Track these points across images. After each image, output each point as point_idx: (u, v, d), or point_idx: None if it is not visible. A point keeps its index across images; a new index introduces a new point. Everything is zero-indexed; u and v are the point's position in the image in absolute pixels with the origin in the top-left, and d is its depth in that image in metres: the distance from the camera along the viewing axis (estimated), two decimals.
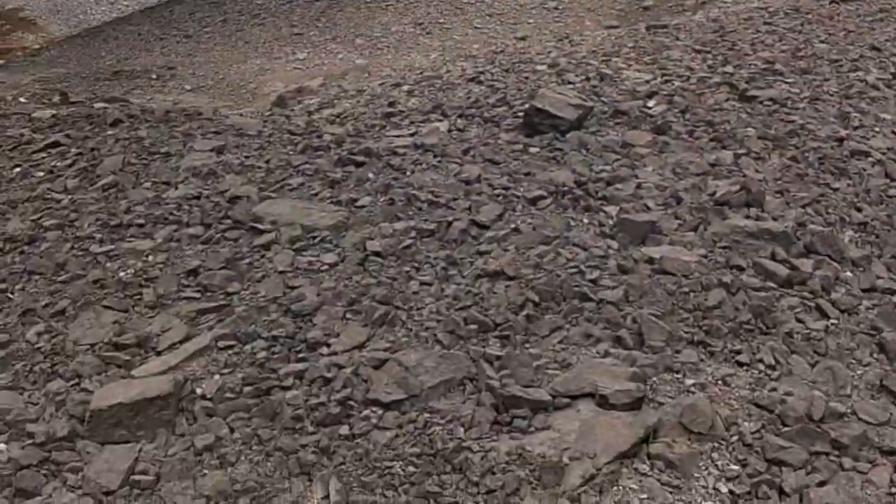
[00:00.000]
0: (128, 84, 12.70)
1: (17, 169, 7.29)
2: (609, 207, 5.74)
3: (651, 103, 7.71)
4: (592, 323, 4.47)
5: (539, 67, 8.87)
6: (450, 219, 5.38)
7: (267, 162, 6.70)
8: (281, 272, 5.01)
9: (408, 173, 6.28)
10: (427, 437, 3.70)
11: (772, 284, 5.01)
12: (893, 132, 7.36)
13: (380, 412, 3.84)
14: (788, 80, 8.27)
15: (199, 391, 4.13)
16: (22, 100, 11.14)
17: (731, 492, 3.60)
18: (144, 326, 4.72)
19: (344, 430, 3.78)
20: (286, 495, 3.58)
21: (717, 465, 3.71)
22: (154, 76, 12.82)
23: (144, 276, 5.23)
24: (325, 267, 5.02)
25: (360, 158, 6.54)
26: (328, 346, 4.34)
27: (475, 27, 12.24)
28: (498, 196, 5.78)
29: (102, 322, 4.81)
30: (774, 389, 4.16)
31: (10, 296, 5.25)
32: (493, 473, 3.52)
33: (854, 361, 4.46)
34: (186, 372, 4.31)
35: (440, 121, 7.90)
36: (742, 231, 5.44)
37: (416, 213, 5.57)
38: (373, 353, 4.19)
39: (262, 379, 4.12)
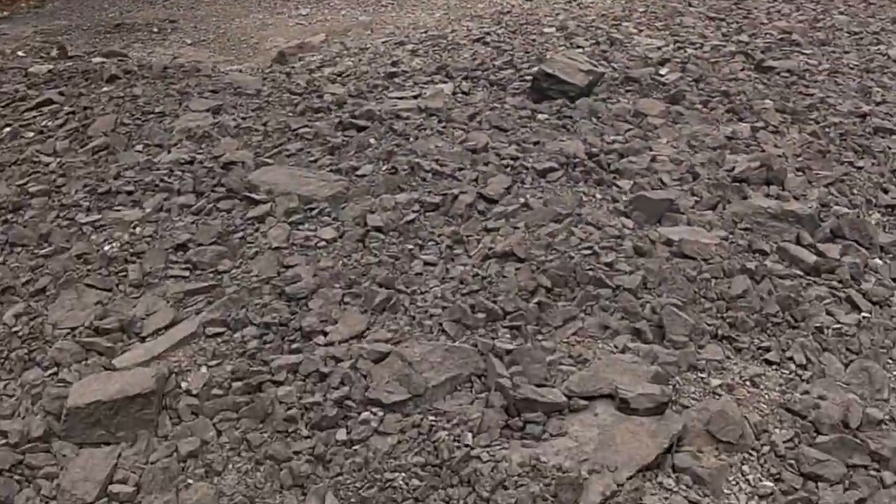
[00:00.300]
0: (128, 37, 11.98)
1: (8, 129, 6.69)
2: (622, 182, 5.20)
3: (663, 71, 7.12)
4: (609, 313, 3.96)
5: (547, 30, 8.22)
6: (456, 192, 4.83)
7: (265, 124, 6.12)
8: (275, 248, 4.47)
9: (411, 140, 5.70)
10: (432, 443, 3.20)
11: (798, 272, 4.50)
12: None
13: (380, 414, 3.33)
14: (806, 52, 7.67)
15: (184, 385, 3.61)
16: (20, 53, 10.47)
17: None
18: (128, 308, 4.20)
19: (341, 434, 3.27)
20: None
21: (748, 480, 3.23)
22: (155, 29, 12.10)
23: (131, 249, 4.69)
24: (323, 243, 4.48)
25: (362, 122, 5.96)
26: (325, 334, 3.82)
27: None
28: (506, 167, 5.22)
29: (84, 303, 4.28)
30: (807, 392, 3.66)
31: None
32: (505, 488, 3.03)
33: (891, 361, 3.97)
34: (171, 363, 3.80)
35: (445, 82, 7.29)
36: (764, 212, 4.91)
37: (419, 183, 5.01)
38: (373, 346, 3.67)
39: (253, 373, 3.60)
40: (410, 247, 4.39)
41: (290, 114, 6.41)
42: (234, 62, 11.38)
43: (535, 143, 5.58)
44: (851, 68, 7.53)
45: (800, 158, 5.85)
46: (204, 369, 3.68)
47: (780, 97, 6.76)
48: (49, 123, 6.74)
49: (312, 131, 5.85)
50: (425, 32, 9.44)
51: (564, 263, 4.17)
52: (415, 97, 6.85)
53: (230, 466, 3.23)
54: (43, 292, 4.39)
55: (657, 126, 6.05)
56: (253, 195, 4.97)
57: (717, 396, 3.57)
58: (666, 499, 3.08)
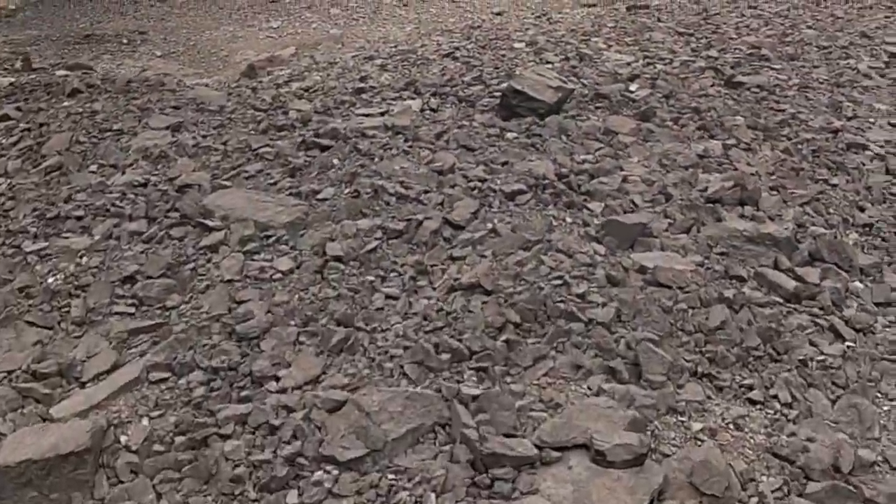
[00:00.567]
0: (98, 48, 11.46)
1: None
2: (593, 204, 4.82)
3: (633, 87, 6.76)
4: (581, 350, 3.57)
5: (517, 45, 7.85)
6: (420, 217, 4.43)
7: (225, 143, 5.68)
8: (228, 281, 4.05)
9: (376, 160, 5.29)
10: None
11: (777, 299, 4.15)
12: (890, 124, 6.47)
13: (335, 473, 2.92)
14: (776, 67, 7.35)
15: (123, 440, 3.18)
16: None
17: None
18: (69, 350, 3.76)
19: (292, 497, 2.86)
20: None
21: None
22: (125, 41, 11.59)
23: (76, 282, 4.24)
24: (279, 275, 4.06)
25: (326, 142, 5.54)
26: (277, 380, 3.40)
27: (452, 1, 11.13)
28: (473, 189, 4.83)
29: (23, 343, 3.83)
30: (794, 434, 3.30)
31: None
32: None
33: (879, 395, 3.62)
34: (111, 412, 3.37)
35: (413, 99, 6.89)
36: (740, 235, 4.55)
37: (383, 208, 4.60)
38: (328, 393, 3.26)
39: (198, 425, 3.17)
40: (371, 278, 3.98)
41: (253, 132, 5.98)
42: (203, 75, 10.91)
43: (504, 164, 5.19)
44: (821, 83, 7.22)
45: (773, 177, 5.52)
46: (145, 421, 3.25)
47: (751, 113, 6.43)
48: (3, 141, 6.27)
49: (274, 151, 5.42)
50: (395, 47, 9.04)
51: (534, 296, 3.78)
52: (382, 114, 6.44)
53: None
54: None
55: (628, 144, 5.68)
56: (207, 221, 4.54)
57: (699, 442, 3.20)
58: None
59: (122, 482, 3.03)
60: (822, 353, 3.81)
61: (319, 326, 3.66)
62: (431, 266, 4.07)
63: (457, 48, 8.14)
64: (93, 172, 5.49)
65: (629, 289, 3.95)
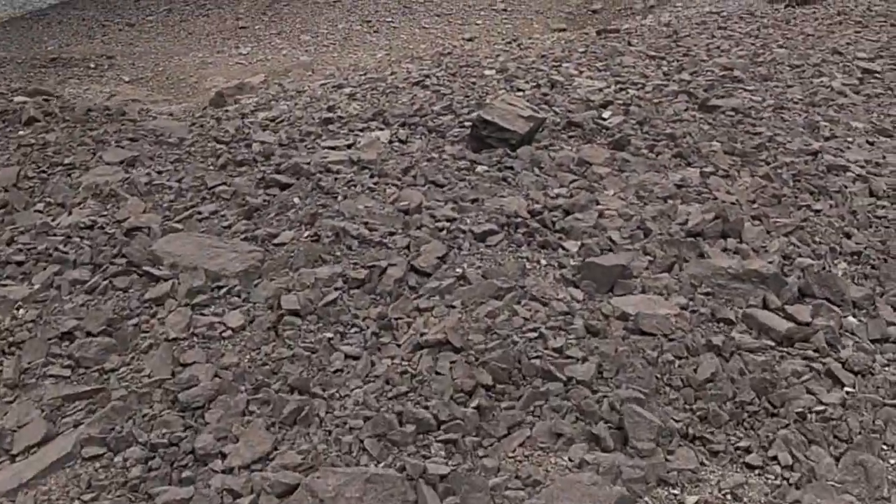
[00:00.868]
0: (64, 72, 10.95)
1: None
2: (569, 243, 4.40)
3: (606, 114, 6.37)
4: (561, 415, 3.13)
5: (487, 72, 7.45)
6: (384, 263, 3.98)
7: (179, 181, 5.20)
8: (173, 340, 3.57)
9: (339, 198, 4.85)
10: None
11: (769, 342, 3.74)
12: (868, 142, 6.12)
13: None
14: (749, 88, 7.00)
15: None
16: None
17: None
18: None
19: None
20: None
21: None
22: (92, 65, 11.08)
23: (10, 338, 3.75)
24: (229, 332, 3.59)
25: (286, 179, 5.08)
26: (223, 457, 2.93)
27: (423, 27, 10.74)
28: (441, 230, 4.39)
29: None
30: (798, 501, 2.88)
31: None
32: None
33: (885, 447, 3.21)
34: (41, 493, 2.89)
35: (381, 129, 6.47)
36: (725, 273, 4.15)
37: (344, 253, 4.15)
38: (278, 475, 2.79)
39: None
40: (330, 335, 3.53)
41: (211, 167, 5.51)
42: (172, 101, 10.44)
43: (474, 201, 4.76)
44: (796, 103, 6.88)
45: (755, 205, 5.13)
46: None
47: (727, 138, 6.06)
48: None
49: (230, 190, 4.96)
50: (364, 75, 8.62)
51: (507, 352, 3.34)
52: (348, 146, 6.01)
53: None
54: None
55: (603, 176, 5.28)
56: (154, 270, 4.06)
57: None
58: None
59: None
60: (820, 403, 3.39)
61: (271, 393, 3.19)
62: (396, 319, 3.62)
63: (427, 76, 7.73)
64: (39, 212, 5.00)
65: (610, 340, 3.52)
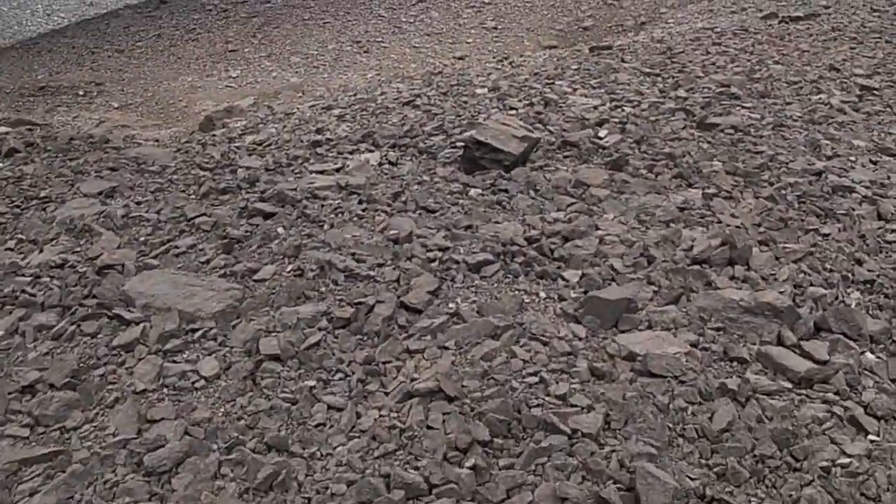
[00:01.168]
0: (53, 100, 10.58)
1: None
2: (569, 272, 4.04)
3: (602, 133, 6.03)
4: (566, 474, 2.76)
5: (479, 91, 7.10)
6: (371, 301, 3.61)
7: (158, 212, 4.83)
8: (141, 392, 3.19)
9: (325, 227, 4.49)
10: None
11: (787, 384, 3.38)
12: (872, 161, 5.79)
13: None
14: (747, 105, 6.66)
15: None
16: None
17: None
18: None
19: None
20: None
21: None
22: (81, 92, 10.72)
23: None
24: (202, 383, 3.21)
25: (270, 208, 4.72)
26: None
27: (413, 46, 10.41)
28: (433, 261, 4.03)
29: None
30: None
31: None
32: None
33: None
34: None
35: (371, 151, 6.11)
36: (736, 306, 3.79)
37: (329, 290, 3.78)
38: None
39: None
40: (312, 383, 3.15)
41: (192, 196, 5.15)
42: (161, 126, 10.09)
43: (468, 228, 4.40)
44: (795, 120, 6.54)
45: (761, 229, 4.79)
46: None
47: (728, 157, 5.72)
48: None
49: (211, 220, 4.59)
50: (354, 95, 8.27)
51: (506, 402, 2.97)
52: (337, 170, 5.66)
53: None
54: None
55: (602, 198, 4.93)
56: (124, 313, 3.68)
57: None
58: None
59: None
60: (845, 455, 3.03)
61: (246, 452, 2.82)
62: (384, 363, 3.25)
63: (417, 95, 7.38)
64: (9, 250, 4.62)
65: (618, 385, 3.16)
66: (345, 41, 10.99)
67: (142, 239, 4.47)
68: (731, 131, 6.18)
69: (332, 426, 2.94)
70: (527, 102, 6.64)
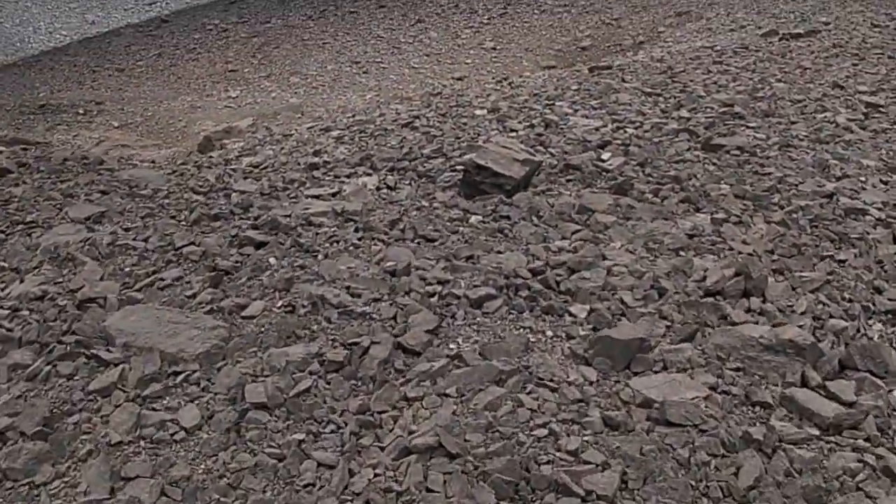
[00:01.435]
0: (53, 119, 10.28)
1: None
2: (576, 307, 3.70)
3: (605, 155, 5.71)
4: None
5: (478, 112, 6.79)
6: (367, 342, 3.27)
7: (146, 240, 4.50)
8: (116, 444, 2.85)
9: (319, 257, 4.15)
10: None
11: (814, 431, 3.04)
12: (882, 182, 5.47)
13: None
14: (752, 125, 6.34)
15: None
16: None
17: None
18: None
19: None
20: None
21: None
22: (81, 111, 10.42)
23: None
24: (182, 434, 2.87)
25: (262, 236, 4.38)
26: None
27: (412, 67, 10.11)
28: (432, 296, 3.69)
29: None
30: None
31: None
32: None
33: None
34: None
35: (368, 175, 5.80)
36: (756, 343, 3.45)
37: (322, 328, 3.44)
38: None
39: None
40: (301, 437, 2.81)
41: (182, 223, 4.81)
42: (161, 146, 9.78)
43: (468, 258, 4.07)
44: (802, 140, 6.22)
45: (774, 256, 4.46)
46: None
47: (735, 180, 5.40)
48: None
49: (200, 250, 4.25)
50: (353, 116, 7.96)
51: (512, 460, 2.63)
52: (333, 194, 5.33)
53: None
54: None
55: (608, 225, 4.60)
56: (103, 353, 3.34)
57: None
58: None
59: None
60: None
61: None
62: (379, 413, 2.91)
63: (416, 117, 7.07)
64: None
65: (634, 437, 2.82)
66: (344, 62, 10.69)
67: (126, 269, 4.13)
68: (738, 152, 5.87)
69: (321, 487, 2.59)
70: (527, 124, 6.33)
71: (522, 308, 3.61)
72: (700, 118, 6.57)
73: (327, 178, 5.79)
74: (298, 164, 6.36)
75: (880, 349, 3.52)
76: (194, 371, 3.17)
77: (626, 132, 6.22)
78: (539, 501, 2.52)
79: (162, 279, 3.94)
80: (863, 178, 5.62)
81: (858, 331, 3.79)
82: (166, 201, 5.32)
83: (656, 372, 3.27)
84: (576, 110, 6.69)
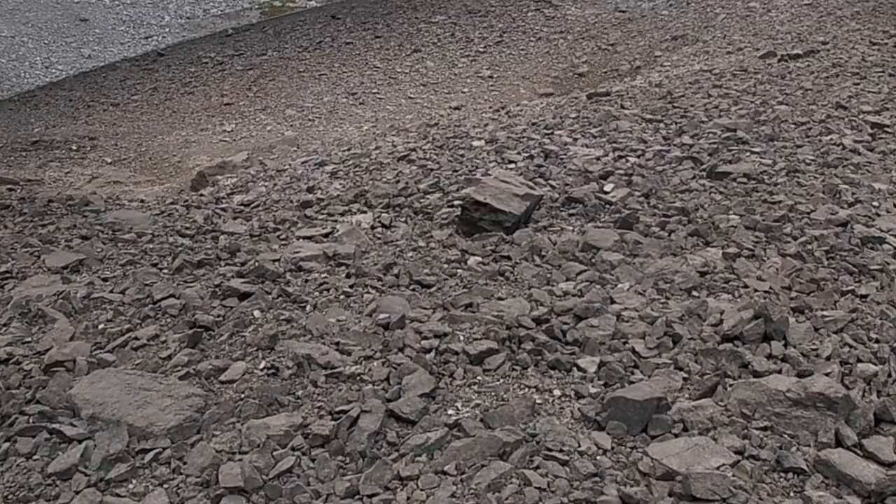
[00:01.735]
0: (46, 155, 9.95)
1: None
2: (585, 360, 3.32)
3: (608, 187, 5.35)
4: None
5: (475, 143, 6.45)
6: (356, 410, 2.88)
7: (123, 292, 4.14)
8: None
9: (308, 309, 3.78)
10: None
11: (855, 501, 2.66)
12: None
13: None
14: (756, 150, 5.99)
15: None
16: None
17: None
18: None
19: None
20: None
21: None
22: (74, 147, 10.09)
23: None
24: None
25: (247, 287, 4.01)
26: None
27: (409, 97, 9.81)
28: (428, 352, 3.31)
29: None
30: None
31: None
32: None
33: None
34: None
35: (363, 212, 5.45)
36: (783, 398, 3.07)
37: (307, 393, 3.06)
38: None
39: None
40: None
41: (164, 271, 4.45)
42: (155, 182, 9.45)
43: (467, 307, 3.70)
44: (809, 164, 5.86)
45: (792, 293, 4.09)
46: None
47: (744, 209, 5.04)
48: None
49: (179, 303, 3.88)
50: (348, 150, 7.63)
51: None
52: (325, 235, 4.98)
53: None
54: None
55: (614, 264, 4.23)
56: (67, 428, 2.97)
57: None
58: None
59: None
60: None
61: None
62: (369, 497, 2.53)
63: (413, 149, 6.73)
64: None
65: None
66: (340, 93, 10.40)
67: (100, 326, 3.76)
68: (744, 179, 5.51)
69: None
70: (526, 155, 5.99)
71: (527, 363, 3.24)
72: (703, 144, 6.22)
73: (320, 217, 5.45)
74: (291, 201, 6.03)
75: None
76: (165, 448, 2.79)
77: (628, 161, 5.88)
78: None
79: (136, 338, 3.56)
80: (875, 203, 5.27)
81: (890, 375, 3.42)
82: (150, 246, 4.97)
83: (676, 434, 2.89)
84: (575, 139, 6.35)
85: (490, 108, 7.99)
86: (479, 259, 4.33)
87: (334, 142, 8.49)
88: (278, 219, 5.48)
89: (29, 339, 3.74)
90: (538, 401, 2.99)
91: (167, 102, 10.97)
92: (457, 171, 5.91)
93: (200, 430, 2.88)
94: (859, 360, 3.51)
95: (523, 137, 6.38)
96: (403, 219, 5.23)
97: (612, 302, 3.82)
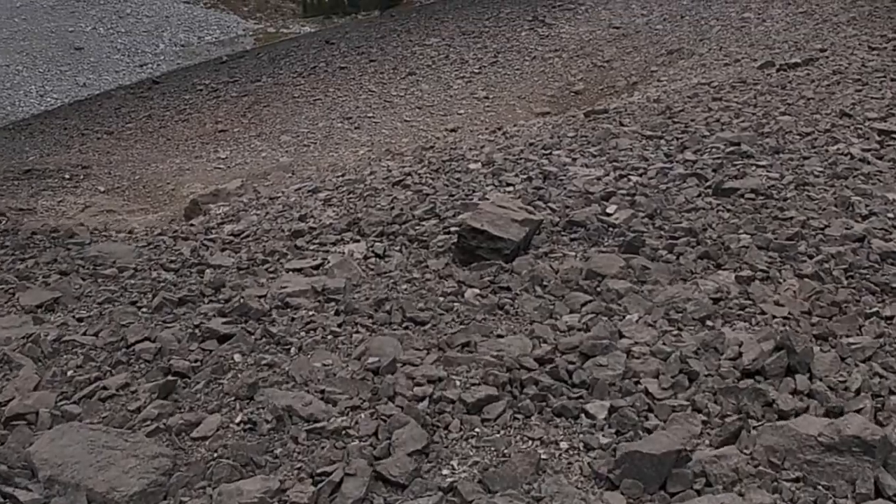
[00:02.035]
0: (38, 184, 9.65)
1: None
2: (594, 405, 2.96)
3: (611, 209, 5.01)
4: None
5: (472, 166, 6.12)
6: (339, 473, 2.52)
7: (97, 334, 3.79)
8: None
9: (292, 351, 3.44)
10: None
11: None
12: None
13: None
14: (762, 164, 5.66)
15: None
16: None
17: None
18: None
19: None
20: None
21: None
22: (67, 176, 9.79)
23: None
24: None
25: (227, 328, 3.66)
26: None
27: (405, 120, 9.52)
28: (421, 400, 2.96)
29: None
30: None
31: None
32: None
33: None
34: None
35: (356, 241, 5.11)
36: (815, 444, 2.71)
37: (286, 452, 2.70)
38: None
39: None
40: None
41: (143, 310, 4.11)
42: (148, 210, 9.14)
43: (464, 347, 3.35)
44: (818, 176, 5.51)
45: (813, 319, 3.74)
46: None
47: (755, 227, 4.70)
48: None
49: (155, 347, 3.53)
50: (342, 176, 7.31)
51: None
52: (315, 268, 4.63)
53: None
54: None
55: (621, 293, 3.88)
56: (21, 494, 2.61)
57: None
58: None
59: None
60: None
61: None
62: None
63: (408, 174, 6.40)
64: None
65: None
66: (335, 118, 10.11)
67: (68, 374, 3.41)
68: (752, 195, 5.17)
69: None
70: (524, 176, 5.65)
71: (529, 411, 2.88)
72: (707, 160, 5.89)
73: (311, 248, 5.11)
74: (282, 230, 5.70)
75: None
76: None
77: (629, 180, 5.54)
78: None
79: (105, 388, 3.21)
80: (891, 215, 4.92)
81: None
82: (131, 282, 4.64)
83: (698, 491, 2.53)
84: (574, 159, 6.02)
85: (486, 129, 7.68)
86: (477, 291, 3.98)
87: (329, 167, 8.17)
88: (268, 250, 5.15)
89: None
90: (543, 456, 2.63)
91: (161, 130, 10.70)
92: (453, 195, 5.57)
93: (167, 496, 2.53)
94: (892, 392, 3.15)
95: (521, 159, 6.05)
96: (398, 247, 4.89)
97: (621, 336, 3.46)
